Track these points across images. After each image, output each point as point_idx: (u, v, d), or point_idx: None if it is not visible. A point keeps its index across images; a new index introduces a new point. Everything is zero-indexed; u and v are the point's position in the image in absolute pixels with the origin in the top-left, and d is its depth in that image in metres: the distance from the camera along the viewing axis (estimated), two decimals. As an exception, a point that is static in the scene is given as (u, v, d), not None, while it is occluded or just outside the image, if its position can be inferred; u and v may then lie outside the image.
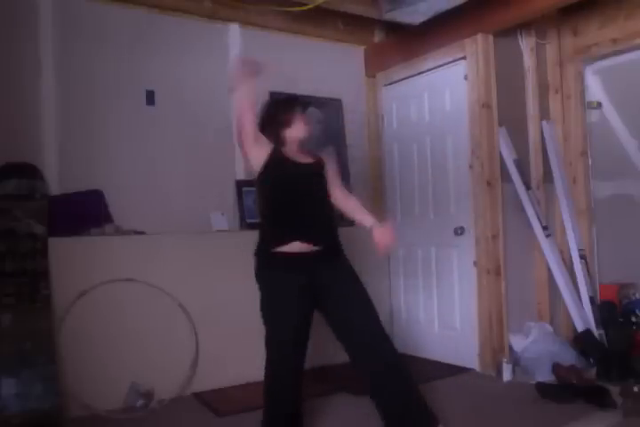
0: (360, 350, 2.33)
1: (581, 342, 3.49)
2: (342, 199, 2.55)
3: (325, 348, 2.90)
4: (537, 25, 3.75)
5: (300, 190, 2.37)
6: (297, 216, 2.35)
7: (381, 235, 2.36)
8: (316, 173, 2.46)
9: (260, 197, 2.48)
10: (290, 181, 2.38)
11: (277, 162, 2.37)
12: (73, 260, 2.96)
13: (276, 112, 2.46)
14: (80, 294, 2.94)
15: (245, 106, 2.32)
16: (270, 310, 2.33)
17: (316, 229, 2.36)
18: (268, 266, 2.36)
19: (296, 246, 2.29)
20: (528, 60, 3.78)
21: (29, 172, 3.07)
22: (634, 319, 3.48)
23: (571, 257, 3.71)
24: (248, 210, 3.72)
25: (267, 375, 2.35)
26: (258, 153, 2.36)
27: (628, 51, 3.55)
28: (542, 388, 3.02)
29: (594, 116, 3.89)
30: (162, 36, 3.58)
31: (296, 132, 2.44)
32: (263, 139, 2.38)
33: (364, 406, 2.85)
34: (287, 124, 2.43)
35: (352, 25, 4.20)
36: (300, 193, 2.37)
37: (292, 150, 2.45)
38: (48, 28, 3.25)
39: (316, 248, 2.32)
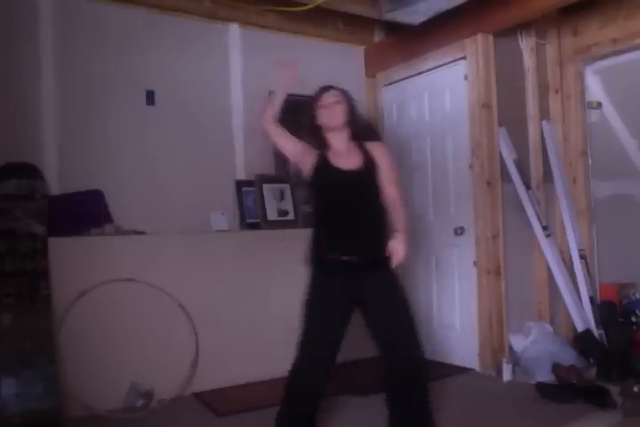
0: (388, 361, 2.34)
1: (581, 342, 3.49)
2: (390, 201, 2.40)
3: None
4: (537, 25, 3.75)
5: (345, 200, 2.32)
6: (341, 227, 2.32)
7: (394, 248, 2.28)
8: (363, 181, 2.36)
9: (311, 201, 2.49)
10: (335, 189, 2.34)
11: (323, 170, 2.35)
12: (73, 260, 2.96)
13: (304, 116, 2.44)
14: (80, 294, 2.94)
15: (271, 132, 2.39)
16: (308, 309, 2.33)
17: (359, 242, 2.32)
18: (314, 267, 2.37)
19: (339, 255, 2.29)
20: (528, 60, 3.78)
21: (29, 172, 3.07)
22: (634, 319, 3.48)
23: (571, 257, 3.71)
24: (248, 210, 3.72)
25: (292, 372, 2.36)
26: (307, 161, 2.38)
27: (628, 51, 3.56)
28: (542, 388, 3.02)
29: (594, 116, 3.89)
30: (162, 36, 3.57)
31: (323, 121, 2.39)
32: (307, 148, 2.39)
33: (364, 406, 2.86)
34: (316, 120, 2.39)
35: (352, 25, 4.20)
36: (345, 203, 2.32)
37: (339, 148, 2.39)
38: (48, 28, 3.25)
39: (358, 259, 2.29)
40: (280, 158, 3.77)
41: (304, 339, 2.32)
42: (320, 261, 2.34)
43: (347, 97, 2.44)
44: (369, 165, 2.37)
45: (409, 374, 2.30)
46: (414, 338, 2.32)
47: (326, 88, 2.46)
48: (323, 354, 2.31)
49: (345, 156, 2.38)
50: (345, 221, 2.32)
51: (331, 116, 2.38)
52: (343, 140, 2.42)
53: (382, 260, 2.29)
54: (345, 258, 2.28)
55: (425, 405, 2.31)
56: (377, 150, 2.42)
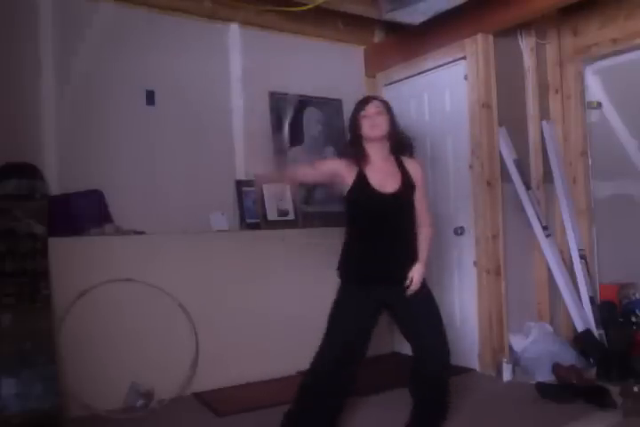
0: (417, 361, 2.44)
1: (581, 342, 3.49)
2: (420, 224, 2.48)
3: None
4: (537, 25, 3.75)
5: (380, 222, 2.35)
6: (373, 248, 2.36)
7: (412, 277, 2.38)
8: (400, 204, 2.39)
9: (346, 214, 2.48)
10: (372, 210, 2.36)
11: (361, 190, 2.36)
12: (73, 260, 2.96)
13: (350, 127, 2.46)
14: (80, 294, 2.94)
15: (302, 178, 2.58)
16: (334, 315, 2.38)
17: (388, 266, 2.37)
18: (343, 276, 2.43)
19: (367, 274, 2.38)
20: (528, 60, 3.78)
21: (29, 172, 3.07)
22: (634, 319, 3.48)
23: (571, 257, 3.71)
24: (248, 210, 3.72)
25: (314, 372, 2.37)
26: (346, 176, 2.38)
27: (628, 51, 3.55)
28: (542, 388, 3.02)
29: (594, 116, 3.89)
30: (162, 35, 3.57)
31: (365, 132, 2.40)
32: (341, 165, 2.40)
33: (364, 406, 2.85)
34: (358, 130, 2.41)
35: (352, 25, 4.20)
36: (380, 226, 2.35)
37: (377, 162, 2.40)
38: (48, 28, 3.24)
39: (386, 281, 2.37)
40: (280, 158, 3.78)
41: (330, 340, 2.35)
42: (348, 270, 2.42)
43: (388, 108, 2.47)
44: (408, 188, 2.41)
45: (434, 374, 2.38)
46: (443, 342, 2.38)
47: (369, 98, 2.50)
48: (348, 355, 2.34)
49: (384, 173, 2.39)
50: (377, 243, 2.36)
51: (374, 126, 2.38)
52: (382, 152, 2.43)
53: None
54: (375, 280, 2.36)
55: (444, 403, 2.43)
56: (414, 169, 2.46)
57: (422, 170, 2.51)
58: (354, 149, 2.42)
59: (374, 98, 2.50)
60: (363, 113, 2.40)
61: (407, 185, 2.41)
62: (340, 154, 2.61)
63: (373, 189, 2.35)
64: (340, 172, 2.39)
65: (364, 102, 2.45)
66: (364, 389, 3.01)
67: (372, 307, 2.38)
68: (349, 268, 2.42)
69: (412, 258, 2.41)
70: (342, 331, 2.35)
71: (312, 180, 2.62)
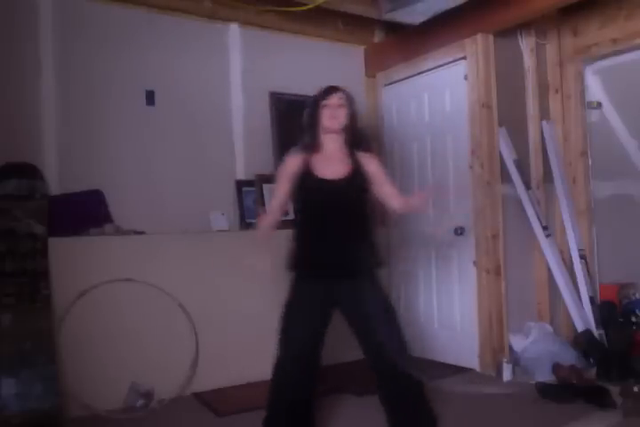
0: (373, 366, 2.34)
1: (581, 342, 3.49)
2: (388, 196, 2.43)
3: (326, 347, 2.89)
4: (537, 25, 3.75)
5: (326, 209, 2.32)
6: (321, 237, 2.32)
7: (418, 198, 2.42)
8: (347, 190, 2.35)
9: (294, 206, 2.46)
10: (317, 198, 2.34)
11: (305, 178, 2.33)
12: (73, 260, 2.96)
13: (309, 113, 2.40)
14: (80, 294, 2.94)
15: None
16: (287, 309, 2.36)
17: (338, 254, 2.30)
18: (292, 269, 2.39)
19: (318, 265, 2.33)
20: (528, 60, 3.78)
21: (29, 172, 3.07)
22: (634, 319, 3.48)
23: (571, 257, 3.71)
24: (248, 210, 3.72)
25: (274, 370, 2.37)
26: (291, 167, 2.37)
27: (628, 51, 3.55)
28: (542, 388, 3.02)
29: (594, 116, 3.89)
30: (162, 35, 3.57)
31: (324, 122, 2.35)
32: (299, 161, 2.36)
33: (365, 406, 2.85)
34: (316, 118, 2.36)
35: (352, 25, 4.20)
36: (326, 213, 2.31)
37: (329, 153, 2.37)
38: (48, 28, 3.25)
39: (336, 271, 2.31)
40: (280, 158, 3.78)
41: (283, 338, 2.33)
42: (300, 267, 2.37)
43: (351, 102, 2.41)
44: (356, 175, 2.36)
45: (394, 377, 2.28)
46: (395, 344, 2.30)
47: (333, 89, 2.41)
48: (302, 354, 2.32)
49: (333, 162, 2.35)
50: (325, 231, 2.31)
51: (333, 117, 2.35)
52: (337, 144, 2.40)
53: (362, 270, 2.33)
54: (323, 271, 2.31)
55: (416, 404, 2.29)
56: (367, 159, 2.42)
57: (375, 159, 2.46)
58: (308, 136, 2.39)
59: (338, 89, 2.42)
60: (324, 102, 2.36)
61: (356, 173, 2.35)
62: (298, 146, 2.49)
63: (317, 176, 2.32)
64: (292, 177, 2.37)
65: (328, 92, 2.39)
66: (360, 389, 3.02)
67: (322, 309, 2.33)
68: (298, 260, 2.36)
69: (363, 251, 2.34)
70: (295, 330, 2.32)
71: (287, 201, 2.50)
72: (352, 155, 2.40)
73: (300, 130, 2.45)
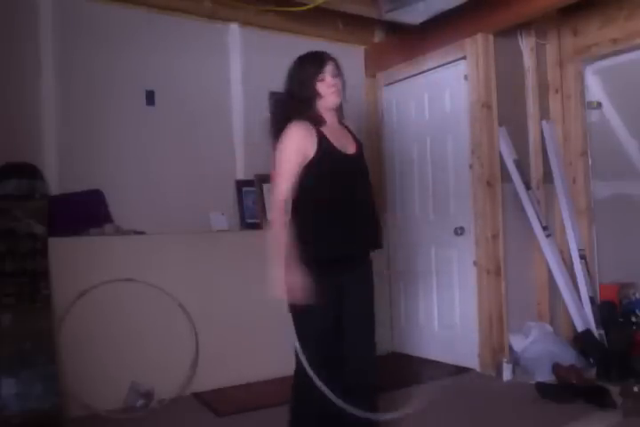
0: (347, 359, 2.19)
1: (581, 342, 3.49)
2: None
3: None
4: (537, 25, 3.75)
5: (354, 187, 2.09)
6: (350, 216, 2.06)
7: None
8: (362, 166, 2.15)
9: (308, 189, 2.07)
10: (344, 175, 2.06)
11: (328, 154, 2.03)
12: (73, 260, 2.96)
13: (298, 88, 2.10)
14: (80, 294, 2.94)
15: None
16: (314, 308, 2.06)
17: (365, 233, 2.12)
18: (313, 265, 2.02)
19: (345, 248, 2.08)
20: (528, 60, 3.78)
21: (29, 172, 3.07)
22: (634, 319, 3.48)
23: (571, 257, 3.71)
24: (248, 210, 3.72)
25: (299, 371, 2.10)
26: (309, 146, 2.03)
27: (628, 51, 3.55)
28: (542, 388, 3.02)
29: (594, 116, 3.89)
30: (162, 35, 3.57)
31: (328, 98, 2.08)
32: (304, 137, 2.04)
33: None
34: (312, 93, 2.06)
35: (352, 25, 4.20)
36: (353, 190, 2.09)
37: (333, 129, 2.10)
38: (48, 28, 3.24)
39: (362, 252, 2.15)
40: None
41: (318, 343, 2.10)
42: (335, 253, 2.06)
43: (340, 68, 2.15)
44: (362, 151, 2.21)
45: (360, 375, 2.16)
46: (372, 338, 2.20)
47: (327, 56, 2.14)
48: (338, 353, 2.13)
49: (341, 137, 2.14)
50: (354, 211, 2.07)
51: (337, 92, 2.10)
52: (334, 119, 2.17)
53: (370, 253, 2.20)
54: (351, 251, 2.09)
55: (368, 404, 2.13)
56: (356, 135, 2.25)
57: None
58: (306, 113, 2.08)
59: (330, 55, 2.15)
60: (321, 76, 2.08)
61: (361, 148, 2.20)
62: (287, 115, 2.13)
63: (340, 151, 2.07)
64: (307, 151, 2.04)
65: (322, 61, 2.10)
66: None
67: (340, 299, 2.12)
68: (330, 247, 2.03)
69: (379, 227, 2.18)
70: (324, 328, 2.09)
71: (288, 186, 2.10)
72: (349, 130, 2.24)
73: (284, 104, 2.17)
